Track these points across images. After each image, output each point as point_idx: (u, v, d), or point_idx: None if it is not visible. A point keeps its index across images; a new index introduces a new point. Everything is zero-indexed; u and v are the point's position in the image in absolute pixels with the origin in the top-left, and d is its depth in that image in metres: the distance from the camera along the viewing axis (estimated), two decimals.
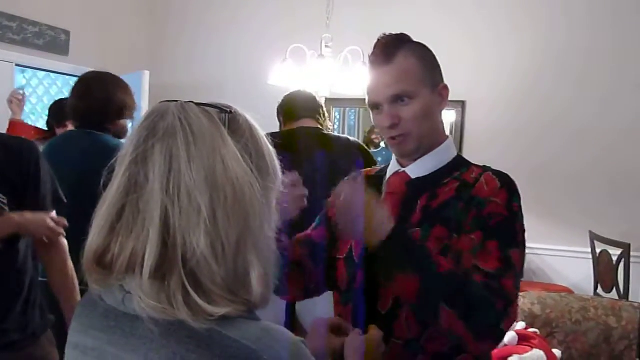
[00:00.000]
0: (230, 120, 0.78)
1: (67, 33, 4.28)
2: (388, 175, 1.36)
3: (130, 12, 4.99)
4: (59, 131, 3.57)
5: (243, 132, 0.79)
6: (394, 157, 1.37)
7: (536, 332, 2.77)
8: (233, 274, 0.72)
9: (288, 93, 2.78)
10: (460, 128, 4.41)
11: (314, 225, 1.46)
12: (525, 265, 4.14)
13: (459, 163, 1.32)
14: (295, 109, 2.63)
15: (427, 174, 1.29)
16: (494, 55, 4.30)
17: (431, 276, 1.10)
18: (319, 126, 2.60)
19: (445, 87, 1.31)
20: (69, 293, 1.85)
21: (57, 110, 3.59)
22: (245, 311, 0.74)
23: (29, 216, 1.70)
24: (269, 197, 0.81)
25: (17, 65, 4.01)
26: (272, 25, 4.77)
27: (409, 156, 1.30)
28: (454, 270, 1.12)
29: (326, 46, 3.78)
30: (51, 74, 5.77)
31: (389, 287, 1.20)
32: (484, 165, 1.32)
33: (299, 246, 1.40)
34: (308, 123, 2.58)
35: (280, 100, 2.74)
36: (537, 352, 2.55)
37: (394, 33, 1.30)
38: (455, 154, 1.34)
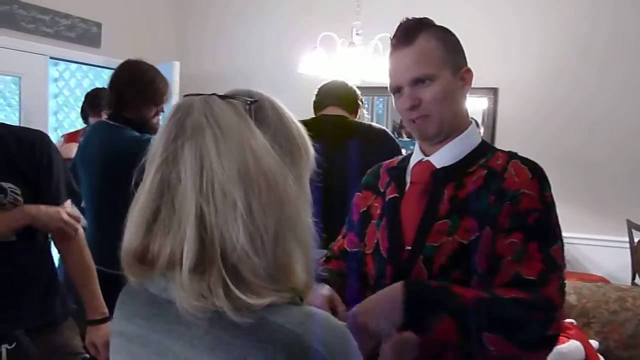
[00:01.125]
0: (256, 110, 0.78)
1: (98, 25, 4.33)
2: (411, 164, 1.33)
3: (160, 2, 5.03)
4: (92, 120, 3.63)
5: (270, 120, 0.79)
6: (417, 146, 1.34)
7: (572, 323, 2.72)
8: (274, 265, 0.72)
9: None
10: (492, 115, 4.33)
11: (344, 232, 1.45)
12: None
13: (484, 149, 1.28)
14: (321, 97, 2.61)
15: (452, 162, 1.26)
16: (523, 42, 4.22)
17: (462, 313, 1.07)
18: (346, 114, 2.56)
19: (469, 71, 1.27)
20: (85, 279, 1.87)
21: (92, 99, 3.65)
22: (290, 298, 0.74)
23: (43, 209, 1.72)
24: (303, 182, 0.81)
25: (50, 57, 4.07)
26: (302, 13, 4.75)
27: (430, 139, 1.27)
28: (479, 295, 1.09)
29: (357, 34, 3.75)
30: (83, 66, 5.86)
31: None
32: (510, 151, 1.28)
33: (335, 259, 1.42)
34: (332, 110, 2.55)
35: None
36: (574, 343, 2.51)
37: (416, 17, 1.28)
38: (479, 139, 1.30)
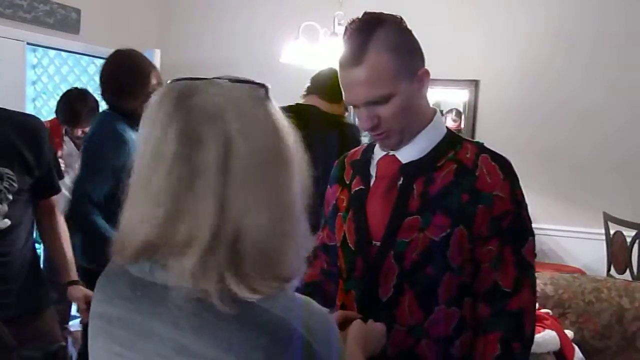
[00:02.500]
0: (267, 92, 0.79)
1: (77, 11, 4.26)
2: (376, 157, 1.31)
3: None
4: (71, 131, 3.55)
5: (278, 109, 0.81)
6: None
7: (548, 313, 2.76)
8: (274, 249, 0.73)
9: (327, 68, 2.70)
10: (473, 107, 4.35)
11: (322, 226, 1.45)
12: (538, 246, 4.12)
13: (452, 140, 1.26)
14: (309, 85, 2.62)
15: (419, 156, 1.24)
16: (507, 34, 4.23)
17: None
18: (325, 104, 2.54)
19: (426, 72, 1.20)
20: (67, 246, 1.97)
21: (70, 115, 3.51)
22: (278, 286, 0.74)
23: None
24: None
25: (28, 44, 3.99)
26: (284, 2, 4.72)
27: (396, 148, 1.25)
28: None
29: (339, 24, 3.74)
30: (62, 53, 5.77)
31: (389, 274, 1.20)
32: (477, 142, 1.28)
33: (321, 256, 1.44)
34: (309, 100, 2.56)
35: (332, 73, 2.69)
36: (550, 333, 2.55)
37: (363, 17, 1.17)
38: (444, 130, 1.28)
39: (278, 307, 0.71)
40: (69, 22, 4.20)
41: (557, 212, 4.05)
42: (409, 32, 1.20)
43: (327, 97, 2.55)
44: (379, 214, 1.24)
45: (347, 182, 1.35)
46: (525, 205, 1.23)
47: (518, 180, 1.23)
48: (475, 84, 4.32)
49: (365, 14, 1.18)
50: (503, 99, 4.28)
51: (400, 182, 1.23)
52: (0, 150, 1.70)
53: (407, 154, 1.25)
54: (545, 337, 2.52)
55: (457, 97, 4.38)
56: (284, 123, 0.77)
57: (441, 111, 4.54)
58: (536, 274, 3.15)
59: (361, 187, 1.30)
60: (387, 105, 1.16)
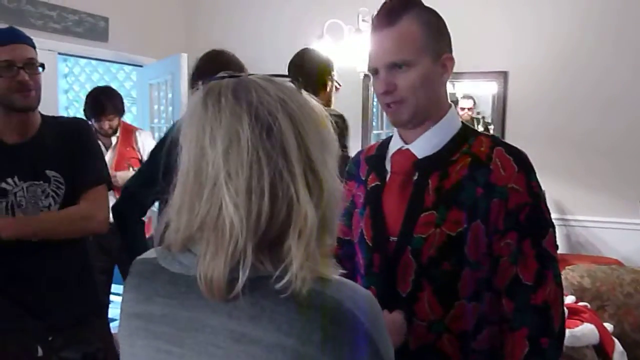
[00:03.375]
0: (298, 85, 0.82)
1: (105, 20, 4.33)
2: (390, 151, 1.31)
3: None
4: (97, 124, 3.62)
5: None
6: (395, 132, 1.31)
7: (586, 306, 2.71)
8: (322, 225, 0.76)
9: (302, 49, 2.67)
10: (502, 99, 4.29)
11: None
12: (574, 238, 4.08)
13: (466, 133, 1.26)
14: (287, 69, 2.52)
15: (433, 151, 1.24)
16: (535, 24, 4.16)
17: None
18: (313, 96, 2.48)
19: (450, 58, 1.22)
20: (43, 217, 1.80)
21: (94, 105, 3.62)
22: (319, 274, 0.77)
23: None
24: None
25: (59, 53, 4.09)
26: (308, 1, 4.72)
27: (403, 125, 1.25)
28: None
29: (363, 20, 3.73)
30: (92, 61, 5.89)
31: (407, 269, 1.19)
32: (492, 135, 1.27)
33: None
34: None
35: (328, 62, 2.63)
36: (588, 326, 2.51)
37: None
38: (459, 124, 1.27)
39: (332, 289, 0.74)
40: (97, 31, 4.27)
41: (593, 203, 3.97)
42: (441, 18, 1.24)
43: (315, 89, 2.48)
44: (395, 209, 1.24)
45: (363, 179, 1.36)
46: (543, 197, 1.21)
47: (534, 172, 1.21)
48: (504, 75, 4.26)
49: None
50: (533, 89, 4.21)
51: (415, 177, 1.23)
52: (50, 155, 1.77)
53: (421, 148, 1.24)
54: (584, 331, 2.48)
55: (486, 89, 4.33)
56: (321, 110, 0.82)
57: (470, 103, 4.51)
58: (572, 267, 3.11)
59: (377, 183, 1.30)
60: (407, 74, 1.18)
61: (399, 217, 1.22)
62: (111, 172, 3.32)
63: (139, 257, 0.89)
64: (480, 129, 4.48)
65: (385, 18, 1.19)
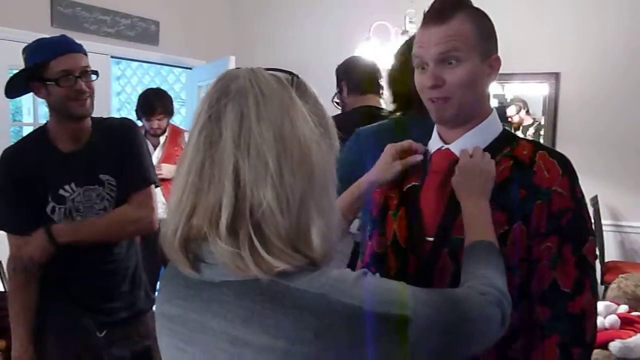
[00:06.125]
0: (297, 83, 0.84)
1: (156, 24, 4.44)
2: (431, 151, 1.28)
3: None
4: (147, 124, 3.72)
5: (310, 94, 0.85)
6: (435, 132, 1.28)
7: None
8: (295, 228, 0.77)
9: (349, 57, 2.58)
10: (554, 100, 4.19)
11: (369, 232, 1.39)
12: (628, 245, 3.94)
13: (508, 138, 1.23)
14: (361, 80, 2.41)
15: None
16: (588, 24, 4.05)
17: None
18: (381, 105, 2.39)
19: (498, 59, 1.21)
20: (93, 220, 1.83)
21: (144, 104, 3.73)
22: (308, 264, 0.78)
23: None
24: (332, 158, 0.85)
25: (112, 57, 4.21)
26: (355, 3, 4.72)
27: (447, 122, 1.21)
28: None
29: (410, 21, 3.71)
30: (143, 64, 6.04)
31: (444, 272, 1.17)
32: (534, 140, 1.25)
33: None
34: (374, 101, 2.38)
35: (342, 64, 2.52)
36: None
37: None
38: (501, 128, 1.25)
39: (314, 286, 0.75)
40: (148, 35, 4.38)
41: None
42: (490, 20, 1.23)
43: (380, 93, 2.40)
44: (433, 209, 1.21)
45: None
46: (585, 204, 1.18)
47: (577, 178, 1.18)
48: (555, 76, 4.16)
49: None
50: (587, 91, 4.09)
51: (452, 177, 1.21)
52: (102, 160, 1.82)
53: (462, 147, 1.22)
54: (638, 342, 2.39)
55: (537, 91, 4.23)
56: (302, 109, 0.81)
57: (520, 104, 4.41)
58: (626, 275, 3.00)
59: (414, 183, 1.28)
60: (456, 70, 1.16)
61: (437, 218, 1.20)
62: (157, 165, 3.42)
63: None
64: (532, 131, 4.38)
65: (438, 14, 1.18)
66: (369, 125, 1.85)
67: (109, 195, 1.82)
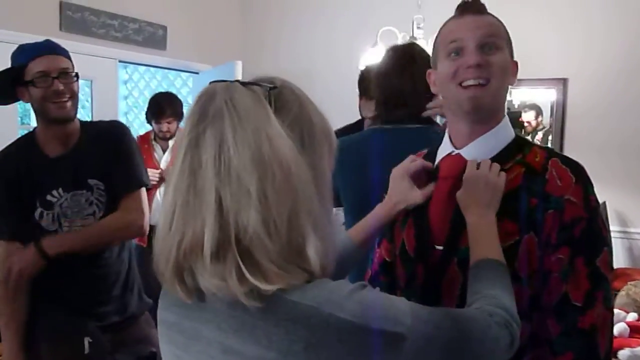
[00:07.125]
0: (275, 97, 0.81)
1: (164, 28, 4.45)
2: (439, 156, 1.25)
3: (223, 4, 5.11)
4: (157, 127, 3.73)
5: (290, 108, 0.82)
6: (445, 137, 1.25)
7: None
8: (288, 248, 0.75)
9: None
10: (562, 106, 4.16)
11: (378, 240, 1.37)
12: (637, 251, 3.90)
13: (520, 143, 1.20)
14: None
15: (486, 157, 1.16)
16: (596, 31, 4.02)
17: None
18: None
19: (516, 64, 1.21)
20: (83, 229, 1.83)
21: (154, 107, 3.74)
22: (304, 280, 0.76)
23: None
24: (322, 168, 0.83)
25: (119, 61, 4.23)
26: (362, 9, 4.72)
27: (479, 112, 1.15)
28: None
29: (418, 27, 3.70)
30: (151, 68, 6.06)
31: (453, 283, 1.14)
32: (547, 147, 1.22)
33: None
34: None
35: (365, 70, 2.46)
36: None
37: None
38: (513, 134, 1.21)
39: (307, 298, 0.74)
40: (156, 39, 4.40)
41: None
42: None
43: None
44: (442, 217, 1.18)
45: None
46: (600, 213, 1.14)
47: (592, 186, 1.14)
48: (563, 82, 4.14)
49: None
50: (594, 97, 4.06)
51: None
52: (90, 164, 1.80)
53: (473, 152, 1.18)
54: None
55: (544, 97, 4.21)
56: (279, 128, 0.77)
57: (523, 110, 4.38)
58: (635, 282, 2.97)
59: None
60: (496, 55, 1.14)
61: (445, 226, 1.17)
62: (165, 169, 3.43)
63: None
64: (540, 135, 4.35)
65: (474, 6, 1.19)
66: (349, 136, 1.86)
67: (98, 200, 1.81)
